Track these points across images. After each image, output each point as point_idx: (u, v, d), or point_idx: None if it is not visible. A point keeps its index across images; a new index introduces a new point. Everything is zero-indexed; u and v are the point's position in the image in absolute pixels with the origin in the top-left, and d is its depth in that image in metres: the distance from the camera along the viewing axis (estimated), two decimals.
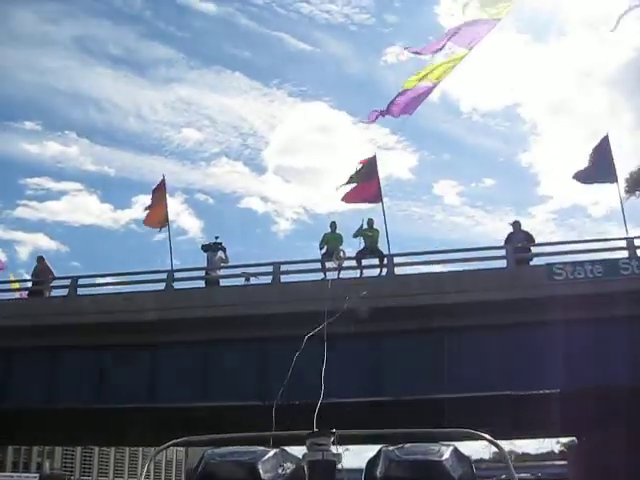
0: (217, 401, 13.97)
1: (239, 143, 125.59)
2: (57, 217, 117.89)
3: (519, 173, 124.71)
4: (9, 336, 14.75)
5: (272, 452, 2.43)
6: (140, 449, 52.33)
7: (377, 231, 14.81)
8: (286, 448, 3.88)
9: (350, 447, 17.22)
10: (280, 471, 2.41)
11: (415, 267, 14.57)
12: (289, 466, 2.49)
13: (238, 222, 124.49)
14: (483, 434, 2.25)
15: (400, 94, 15.31)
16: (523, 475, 77.57)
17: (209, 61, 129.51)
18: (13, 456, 47.32)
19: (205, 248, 15.77)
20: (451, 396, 13.09)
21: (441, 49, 15.31)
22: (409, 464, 2.38)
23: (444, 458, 2.49)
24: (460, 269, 14.05)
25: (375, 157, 15.74)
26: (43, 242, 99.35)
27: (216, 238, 15.94)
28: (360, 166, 15.61)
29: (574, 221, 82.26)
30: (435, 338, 13.20)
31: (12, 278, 20.75)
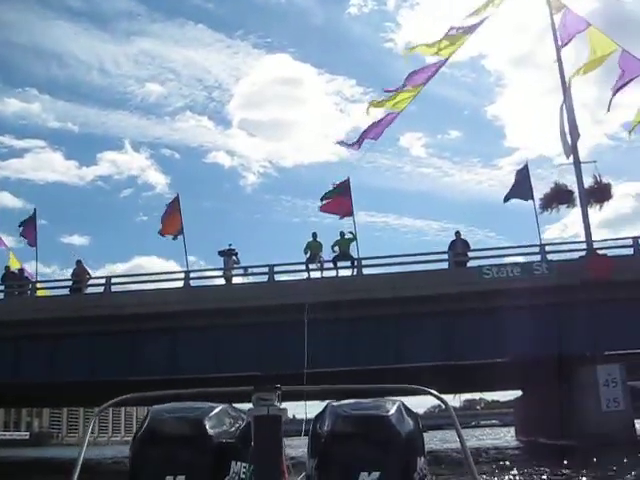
0: (225, 372, 17.89)
1: (204, 96, 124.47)
2: (21, 175, 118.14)
3: (485, 125, 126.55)
4: (56, 325, 18.59)
5: (219, 408, 2.20)
6: (122, 409, 56.39)
7: (349, 240, 18.82)
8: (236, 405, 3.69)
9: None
10: (227, 427, 2.16)
11: (379, 268, 18.58)
12: (237, 422, 2.26)
13: (205, 177, 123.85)
14: (429, 389, 2.40)
15: (372, 124, 19.52)
16: (494, 421, 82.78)
17: (172, 13, 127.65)
18: (4, 416, 50.47)
19: (221, 253, 19.53)
20: (404, 365, 17.18)
21: (404, 86, 19.49)
22: (355, 419, 2.06)
23: (391, 413, 2.16)
24: (413, 270, 18.08)
25: (349, 179, 19.79)
26: (7, 200, 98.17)
27: (230, 245, 19.77)
28: (335, 186, 19.66)
29: (541, 171, 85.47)
30: (392, 322, 17.30)
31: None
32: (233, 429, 2.19)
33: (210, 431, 2.08)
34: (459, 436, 2.28)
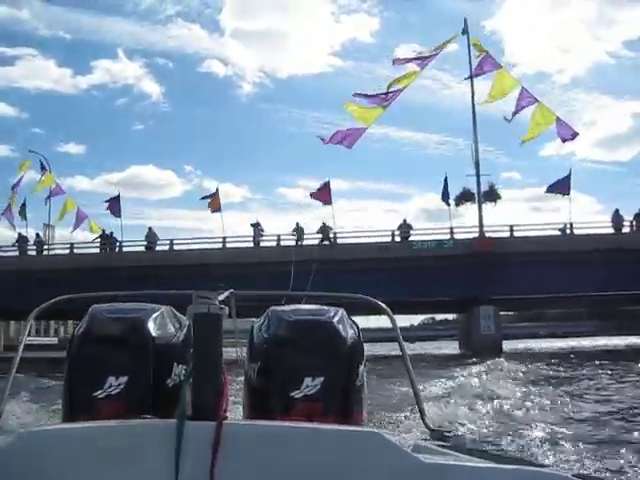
0: None
1: (197, 2, 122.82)
2: (14, 83, 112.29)
3: (484, 39, 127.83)
4: (135, 269, 28.44)
5: (161, 310, 2.08)
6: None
7: (329, 227, 28.66)
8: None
9: None
10: (169, 329, 2.07)
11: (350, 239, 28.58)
12: (179, 325, 2.10)
13: (199, 86, 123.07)
14: (377, 301, 2.49)
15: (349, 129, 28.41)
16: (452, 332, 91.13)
17: None
18: (36, 325, 57.00)
19: (253, 225, 29.35)
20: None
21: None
22: (299, 324, 1.91)
23: (335, 319, 2.01)
24: (372, 241, 28.01)
25: (329, 182, 29.56)
26: (1, 108, 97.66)
27: (257, 220, 29.25)
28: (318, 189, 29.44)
29: (542, 87, 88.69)
30: (355, 275, 27.31)
31: (93, 225, 34.38)
32: (175, 332, 2.10)
33: (152, 332, 1.99)
34: (399, 342, 2.45)
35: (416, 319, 74.07)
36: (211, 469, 1.22)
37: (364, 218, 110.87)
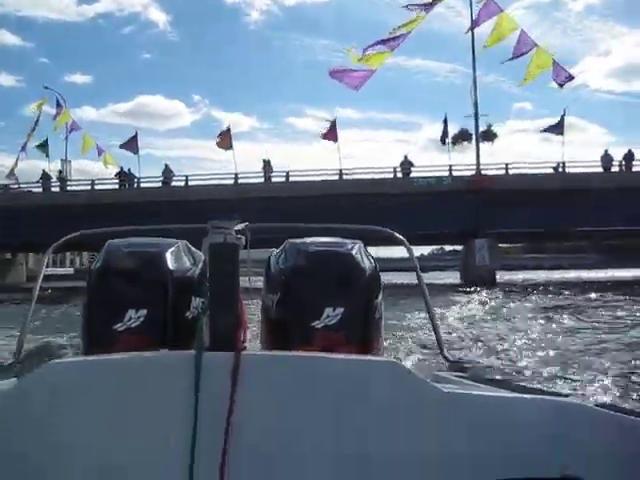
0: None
1: None
2: (19, 12, 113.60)
3: None
4: (153, 204, 30.24)
5: (178, 243, 2.07)
6: None
7: None
8: None
9: None
10: (186, 262, 2.05)
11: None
12: (195, 258, 2.14)
13: (207, 14, 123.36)
14: (394, 232, 2.48)
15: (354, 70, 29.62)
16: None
17: None
18: (53, 257, 59.45)
19: (264, 163, 30.96)
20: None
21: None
22: (319, 255, 2.02)
23: (353, 252, 1.94)
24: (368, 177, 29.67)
25: (335, 120, 30.95)
26: (6, 38, 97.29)
27: (267, 157, 30.43)
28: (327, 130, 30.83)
29: (559, 15, 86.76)
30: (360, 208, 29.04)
31: (108, 158, 36.24)
32: (192, 265, 2.08)
33: (170, 266, 1.98)
34: (417, 273, 2.46)
35: (426, 249, 75.69)
36: (230, 399, 1.24)
37: (374, 149, 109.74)
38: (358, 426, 1.26)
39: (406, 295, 9.68)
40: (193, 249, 2.14)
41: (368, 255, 2.12)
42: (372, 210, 28.52)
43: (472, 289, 18.51)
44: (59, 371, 1.31)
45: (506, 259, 63.86)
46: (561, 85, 27.31)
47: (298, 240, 2.15)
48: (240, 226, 1.47)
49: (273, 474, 1.24)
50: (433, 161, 31.56)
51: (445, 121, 29.70)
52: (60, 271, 53.60)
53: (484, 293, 16.07)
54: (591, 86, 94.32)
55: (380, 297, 2.11)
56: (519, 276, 35.88)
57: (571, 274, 40.34)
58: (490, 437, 1.26)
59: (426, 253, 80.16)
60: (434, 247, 78.65)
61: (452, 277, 35.75)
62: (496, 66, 41.59)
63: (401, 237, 2.44)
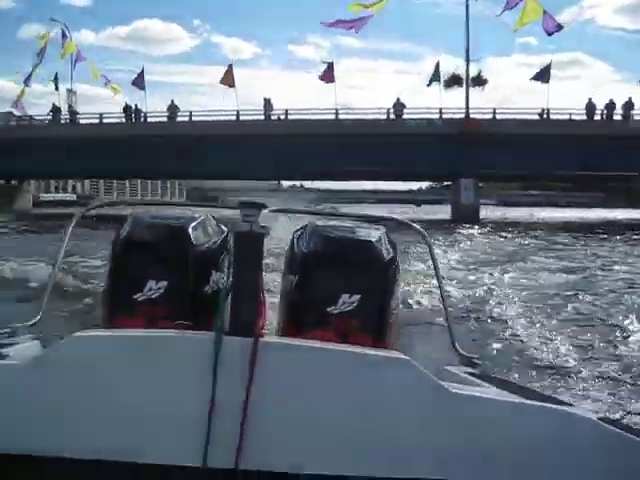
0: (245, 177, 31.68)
1: None
2: None
3: None
4: (159, 137, 31.71)
5: (202, 217, 2.08)
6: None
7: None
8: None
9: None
10: (209, 236, 2.07)
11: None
12: (218, 232, 2.16)
13: None
14: (409, 222, 2.48)
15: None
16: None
17: None
18: (55, 182, 61.26)
19: (265, 101, 32.21)
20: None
21: None
22: (340, 240, 1.98)
23: (375, 239, 2.08)
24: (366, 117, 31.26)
25: (333, 63, 32.21)
26: None
27: (268, 97, 31.56)
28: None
29: None
30: (357, 148, 30.69)
31: (115, 88, 37.86)
32: (214, 240, 2.10)
33: (192, 239, 1.99)
34: (434, 263, 2.53)
35: (424, 183, 77.08)
36: (248, 385, 1.25)
37: (374, 79, 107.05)
38: (367, 418, 1.30)
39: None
40: (216, 223, 2.19)
41: (389, 243, 2.09)
42: (367, 148, 30.36)
43: (452, 225, 20.10)
44: (82, 344, 1.34)
45: (501, 196, 65.58)
46: (550, 34, 28.57)
47: (320, 223, 2.14)
48: (265, 211, 1.50)
49: (287, 459, 1.28)
50: (432, 97, 32.32)
51: (437, 65, 31.13)
52: (64, 197, 56.12)
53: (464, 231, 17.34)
54: (598, 22, 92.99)
55: (398, 287, 2.11)
56: (506, 214, 37.83)
57: (558, 213, 42.35)
58: (492, 442, 1.28)
59: (424, 187, 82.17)
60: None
61: (444, 212, 37.61)
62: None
63: (417, 226, 2.40)
